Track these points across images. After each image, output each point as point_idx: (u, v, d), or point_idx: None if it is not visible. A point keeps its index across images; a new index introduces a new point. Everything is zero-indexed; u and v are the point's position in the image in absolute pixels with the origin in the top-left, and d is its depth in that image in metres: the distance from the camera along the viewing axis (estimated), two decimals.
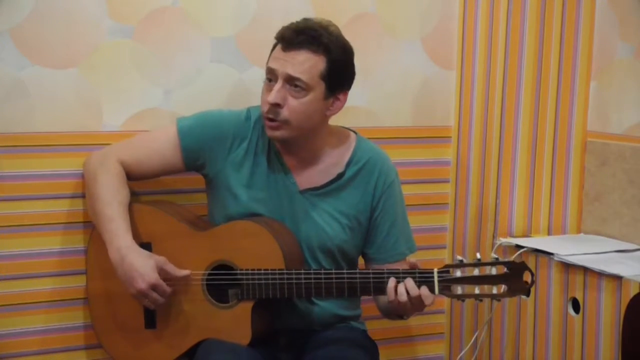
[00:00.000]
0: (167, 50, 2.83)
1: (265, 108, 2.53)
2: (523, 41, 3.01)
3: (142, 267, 2.48)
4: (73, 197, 2.75)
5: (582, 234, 3.10)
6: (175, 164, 2.65)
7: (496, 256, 2.42)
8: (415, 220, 3.06)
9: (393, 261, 2.64)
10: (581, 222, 3.11)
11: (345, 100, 2.61)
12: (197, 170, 2.68)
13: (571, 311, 2.78)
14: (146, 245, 2.58)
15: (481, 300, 2.46)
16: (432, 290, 2.42)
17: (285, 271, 2.49)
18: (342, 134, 2.69)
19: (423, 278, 2.42)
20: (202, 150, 2.63)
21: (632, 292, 2.55)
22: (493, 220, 3.08)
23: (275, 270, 2.49)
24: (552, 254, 2.82)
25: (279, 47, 2.53)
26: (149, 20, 2.80)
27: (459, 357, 3.19)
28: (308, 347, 2.61)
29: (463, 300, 2.47)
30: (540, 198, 3.09)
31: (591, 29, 3.07)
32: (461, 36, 3.16)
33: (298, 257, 2.57)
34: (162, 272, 2.50)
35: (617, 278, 2.62)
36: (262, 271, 2.49)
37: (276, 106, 2.51)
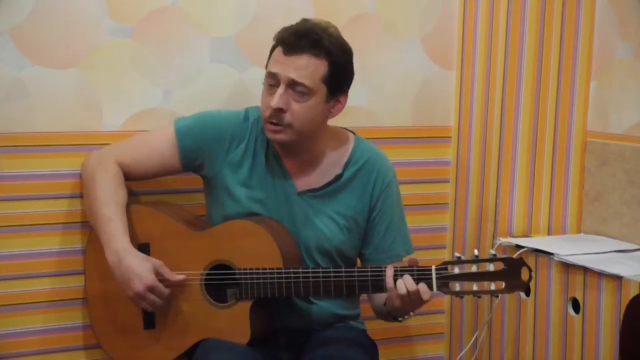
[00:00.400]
0: (167, 50, 2.83)
1: (268, 112, 2.53)
2: (523, 41, 3.01)
3: (140, 269, 2.48)
4: (73, 197, 2.75)
5: (582, 234, 3.09)
6: (174, 165, 2.65)
7: (494, 252, 2.43)
8: (415, 220, 3.07)
9: (389, 262, 2.63)
10: (581, 222, 3.11)
11: (345, 102, 2.62)
12: (195, 171, 2.68)
13: (571, 311, 2.78)
14: (144, 246, 2.59)
15: (479, 297, 2.46)
16: (430, 287, 2.41)
17: (283, 270, 2.49)
18: (340, 134, 2.69)
19: (421, 275, 2.42)
20: (200, 150, 2.63)
21: (632, 292, 2.55)
22: (493, 220, 3.08)
23: (273, 269, 2.49)
24: (552, 254, 2.82)
25: (279, 50, 2.53)
26: (149, 20, 2.80)
27: (459, 357, 3.19)
28: (307, 346, 2.61)
29: (461, 297, 2.47)
30: (540, 198, 3.09)
31: (591, 29, 3.06)
32: (461, 36, 3.16)
33: (296, 256, 2.57)
34: (158, 276, 2.51)
35: (617, 278, 2.62)
36: (261, 270, 2.49)
37: (279, 111, 2.51)
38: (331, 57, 2.52)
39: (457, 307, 3.23)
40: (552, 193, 3.10)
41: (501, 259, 2.40)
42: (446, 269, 2.42)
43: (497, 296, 2.45)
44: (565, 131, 3.09)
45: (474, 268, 2.40)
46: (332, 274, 2.48)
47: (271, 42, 2.57)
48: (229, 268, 2.53)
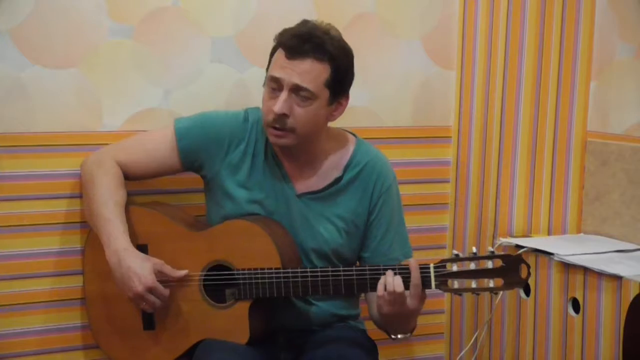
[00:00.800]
0: (167, 50, 2.84)
1: (271, 117, 2.52)
2: (523, 41, 3.01)
3: (140, 269, 2.48)
4: (72, 197, 2.75)
5: (582, 234, 3.09)
6: (173, 165, 2.66)
7: (492, 250, 2.42)
8: (415, 220, 3.07)
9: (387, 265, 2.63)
10: (581, 222, 3.10)
11: (347, 104, 2.61)
12: (194, 171, 2.68)
13: (571, 311, 2.78)
14: (143, 247, 2.59)
15: (478, 294, 2.46)
16: (428, 285, 2.41)
17: (282, 270, 2.48)
18: (341, 137, 2.69)
19: (419, 273, 2.42)
20: (199, 151, 2.63)
21: (632, 292, 2.54)
22: (493, 220, 3.08)
23: (271, 269, 2.49)
24: (552, 254, 2.82)
25: (282, 54, 2.51)
26: (149, 20, 2.80)
27: (459, 357, 3.19)
28: (307, 346, 2.61)
29: (460, 295, 2.47)
30: (540, 198, 3.09)
31: (591, 29, 3.06)
32: (461, 36, 3.16)
33: (294, 256, 2.57)
34: (160, 275, 2.51)
35: (617, 278, 2.61)
36: (259, 271, 2.49)
37: (283, 116, 2.50)
38: (334, 61, 2.52)
39: (457, 307, 3.23)
40: (552, 193, 3.10)
41: (499, 256, 2.40)
42: (444, 266, 2.41)
43: (496, 293, 2.46)
44: (565, 131, 3.09)
45: (472, 265, 2.40)
46: (330, 274, 2.48)
47: (271, 42, 2.57)
48: (228, 268, 2.53)
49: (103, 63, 2.77)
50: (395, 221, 2.69)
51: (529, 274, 2.40)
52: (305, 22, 2.57)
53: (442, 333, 3.30)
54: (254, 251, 2.51)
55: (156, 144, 2.65)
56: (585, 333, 2.73)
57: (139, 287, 2.48)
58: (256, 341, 2.53)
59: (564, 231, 3.12)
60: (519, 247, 2.90)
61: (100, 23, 2.75)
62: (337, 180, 2.64)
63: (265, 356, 2.54)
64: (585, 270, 2.71)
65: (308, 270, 2.50)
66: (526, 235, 3.08)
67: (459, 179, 3.20)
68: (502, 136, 3.04)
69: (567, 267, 2.77)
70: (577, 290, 2.75)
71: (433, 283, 2.41)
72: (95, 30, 2.76)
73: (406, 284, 2.40)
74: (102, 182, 2.59)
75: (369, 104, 3.08)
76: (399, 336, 2.56)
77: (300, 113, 2.51)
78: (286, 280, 2.48)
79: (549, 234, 3.11)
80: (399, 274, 2.42)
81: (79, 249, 2.76)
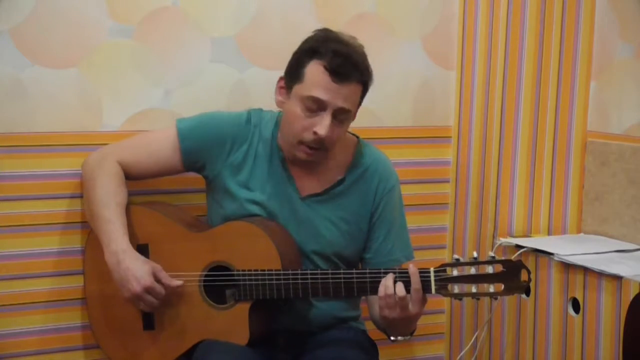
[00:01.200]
0: (167, 50, 2.84)
1: (310, 137, 2.50)
2: (523, 41, 3.01)
3: (138, 271, 2.48)
4: (73, 197, 2.75)
5: (582, 234, 3.09)
6: (175, 165, 2.65)
7: (493, 255, 2.42)
8: (415, 220, 3.07)
9: (388, 267, 2.62)
10: (581, 222, 3.11)
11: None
12: (196, 171, 2.68)
13: (571, 311, 2.78)
14: (143, 247, 2.59)
15: (479, 299, 2.46)
16: (428, 290, 2.41)
17: (282, 272, 2.48)
18: (344, 139, 2.67)
19: (419, 277, 2.42)
20: (201, 152, 2.63)
21: (632, 292, 2.55)
22: (493, 220, 3.08)
23: (272, 270, 2.49)
24: (552, 254, 2.82)
25: (325, 75, 2.46)
26: (149, 20, 2.80)
27: (459, 357, 3.19)
28: (307, 347, 2.61)
29: (460, 299, 2.47)
30: (540, 198, 3.09)
31: (591, 29, 3.06)
32: (461, 36, 3.16)
33: (295, 257, 2.57)
34: (156, 279, 2.50)
35: (617, 278, 2.61)
36: (259, 272, 2.49)
37: (325, 137, 2.50)
38: (367, 82, 2.55)
39: (457, 307, 3.23)
40: (552, 193, 3.10)
41: (500, 262, 2.40)
42: (445, 271, 2.41)
43: (496, 298, 2.45)
44: (565, 131, 3.09)
45: (472, 270, 2.40)
46: (330, 276, 2.48)
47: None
48: (228, 269, 2.53)
49: (103, 63, 2.77)
50: (397, 223, 2.69)
51: (529, 279, 2.40)
52: (335, 36, 2.53)
53: (442, 333, 3.30)
54: (254, 252, 2.51)
55: (158, 144, 2.65)
56: (585, 333, 2.73)
57: (137, 288, 2.47)
58: (256, 342, 2.53)
59: (564, 231, 3.12)
60: (519, 247, 2.91)
61: (100, 23, 2.75)
62: (340, 182, 2.64)
63: (265, 357, 2.54)
64: (585, 270, 2.72)
65: (308, 272, 2.49)
66: (526, 235, 3.08)
67: (459, 179, 3.20)
68: (502, 136, 3.05)
69: (567, 267, 2.77)
70: (577, 290, 2.75)
71: (433, 288, 2.41)
72: (95, 30, 2.75)
73: (407, 288, 2.40)
74: (103, 182, 2.58)
75: (369, 104, 3.05)
76: (399, 338, 2.56)
77: (338, 132, 2.53)
78: (286, 281, 2.48)
79: (549, 234, 3.11)
80: (399, 278, 2.41)
81: (78, 249, 2.76)
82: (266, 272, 2.49)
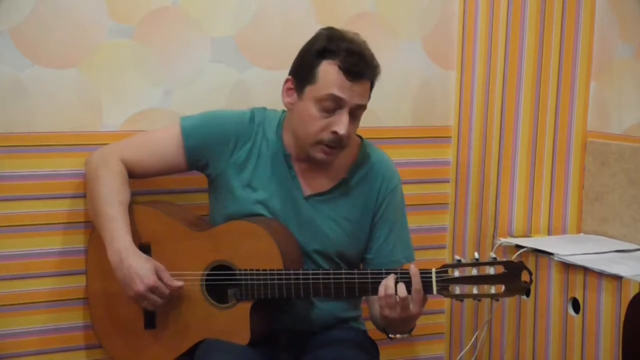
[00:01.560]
0: (167, 50, 2.83)
1: (329, 137, 2.51)
2: (523, 41, 3.01)
3: (141, 269, 2.48)
4: (73, 197, 2.75)
5: (582, 234, 3.09)
6: (178, 164, 2.65)
7: (494, 256, 2.42)
8: (415, 220, 3.07)
9: (389, 268, 2.62)
10: (581, 222, 3.11)
11: None
12: (199, 170, 2.68)
13: (571, 311, 2.78)
14: (145, 246, 2.59)
15: (480, 300, 2.46)
16: (430, 290, 2.41)
17: (283, 271, 2.48)
18: None
19: (421, 278, 2.41)
20: (205, 150, 2.63)
21: (632, 292, 2.55)
22: (493, 220, 3.08)
23: (273, 270, 2.49)
24: (552, 254, 2.82)
25: (340, 74, 2.47)
26: (149, 20, 2.80)
27: (459, 357, 3.19)
28: (308, 347, 2.61)
29: (462, 300, 2.47)
30: (540, 198, 3.09)
31: (591, 29, 3.06)
32: (461, 36, 3.16)
33: (297, 257, 2.57)
34: (158, 278, 2.50)
35: (617, 278, 2.62)
36: (261, 271, 2.49)
37: (344, 136, 2.51)
38: (376, 78, 2.57)
39: (457, 307, 3.23)
40: (552, 193, 3.10)
41: (502, 263, 2.40)
42: (446, 272, 2.41)
43: (497, 300, 2.45)
44: (565, 131, 3.09)
45: (474, 271, 2.40)
46: (332, 276, 2.48)
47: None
48: (230, 269, 2.53)
49: (103, 63, 2.77)
50: (398, 223, 2.69)
51: (530, 280, 2.40)
52: (342, 34, 2.53)
53: (442, 333, 3.30)
54: (256, 252, 2.51)
55: (161, 142, 2.65)
56: (585, 333, 2.73)
57: (141, 287, 2.47)
58: (257, 342, 2.53)
59: (564, 231, 3.12)
60: (519, 247, 2.91)
61: (100, 23, 2.75)
62: (343, 181, 2.64)
63: (266, 357, 2.53)
64: (585, 270, 2.72)
65: (310, 271, 2.50)
66: (526, 235, 3.08)
67: (459, 179, 3.20)
68: (502, 136, 3.05)
69: (567, 267, 2.77)
70: (577, 290, 2.75)
71: (435, 288, 2.41)
72: (95, 30, 2.75)
73: (408, 289, 2.40)
74: (106, 180, 2.58)
75: (369, 104, 3.05)
76: (397, 336, 2.56)
77: (352, 129, 2.54)
78: (288, 281, 2.48)
79: (549, 234, 3.11)
80: (401, 279, 2.42)
81: (79, 248, 2.76)
82: (268, 271, 2.49)
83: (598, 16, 3.06)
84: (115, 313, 2.65)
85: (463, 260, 2.41)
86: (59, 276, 2.77)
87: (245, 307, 2.52)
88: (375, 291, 2.44)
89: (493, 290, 2.40)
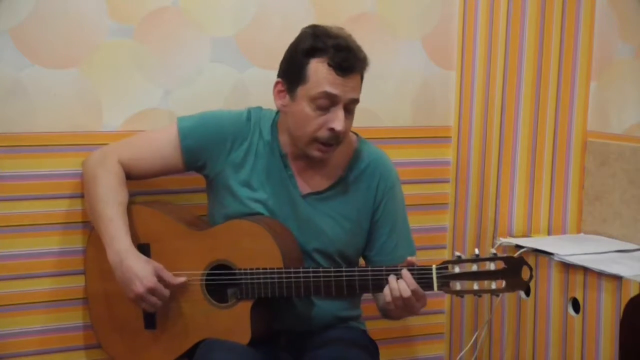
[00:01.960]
0: (167, 50, 2.83)
1: (327, 134, 2.51)
2: (523, 41, 3.01)
3: (141, 270, 2.48)
4: (73, 197, 2.75)
5: (582, 234, 3.09)
6: (176, 164, 2.65)
7: (495, 252, 2.42)
8: (415, 220, 3.06)
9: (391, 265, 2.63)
10: (581, 222, 3.11)
11: None
12: (197, 171, 2.68)
13: (571, 311, 2.78)
14: (144, 246, 2.59)
15: (480, 296, 2.46)
16: (430, 286, 2.41)
17: (283, 270, 2.48)
18: None
19: (421, 275, 2.42)
20: (202, 150, 2.63)
21: (632, 292, 2.55)
22: (493, 220, 3.08)
23: (273, 269, 2.49)
24: (552, 254, 2.82)
25: (330, 71, 2.48)
26: (149, 20, 2.80)
27: (459, 357, 3.19)
28: (308, 346, 2.61)
29: (462, 296, 2.47)
30: (540, 198, 3.09)
31: (591, 29, 3.06)
32: (461, 36, 3.16)
33: (296, 255, 2.57)
34: (159, 279, 2.51)
35: (617, 278, 2.62)
36: (261, 270, 2.49)
37: (341, 132, 2.51)
38: (365, 70, 2.57)
39: (457, 307, 3.24)
40: (552, 193, 3.10)
41: (502, 258, 2.40)
42: (447, 268, 2.41)
43: (497, 295, 2.45)
44: (565, 131, 3.09)
45: (474, 267, 2.40)
46: (332, 274, 2.48)
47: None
48: (229, 268, 2.53)
49: (103, 63, 2.77)
50: (399, 220, 2.70)
51: (531, 276, 2.40)
52: (326, 31, 2.53)
53: (442, 333, 3.30)
54: (256, 251, 2.51)
55: (159, 142, 2.65)
56: (585, 333, 2.73)
57: (140, 288, 2.48)
58: (257, 341, 2.52)
59: (564, 231, 3.12)
60: (519, 247, 2.91)
61: (100, 23, 2.75)
62: (341, 179, 2.64)
63: (267, 357, 2.54)
64: (585, 270, 2.72)
65: (310, 270, 2.50)
66: (526, 235, 3.08)
67: (459, 179, 3.20)
68: (502, 136, 3.05)
69: (567, 267, 2.77)
70: (577, 290, 2.75)
71: (435, 284, 2.41)
72: (95, 30, 2.75)
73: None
74: (104, 181, 2.58)
75: (369, 104, 3.06)
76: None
77: (349, 124, 2.55)
78: (288, 280, 2.48)
79: (549, 234, 3.11)
80: (400, 278, 2.42)
81: (79, 249, 2.76)
82: (268, 270, 2.49)
83: (598, 16, 3.06)
84: (115, 313, 2.65)
85: (463, 257, 2.41)
86: (58, 276, 2.77)
87: (245, 307, 2.52)
88: (376, 289, 2.46)
89: (494, 285, 2.40)
